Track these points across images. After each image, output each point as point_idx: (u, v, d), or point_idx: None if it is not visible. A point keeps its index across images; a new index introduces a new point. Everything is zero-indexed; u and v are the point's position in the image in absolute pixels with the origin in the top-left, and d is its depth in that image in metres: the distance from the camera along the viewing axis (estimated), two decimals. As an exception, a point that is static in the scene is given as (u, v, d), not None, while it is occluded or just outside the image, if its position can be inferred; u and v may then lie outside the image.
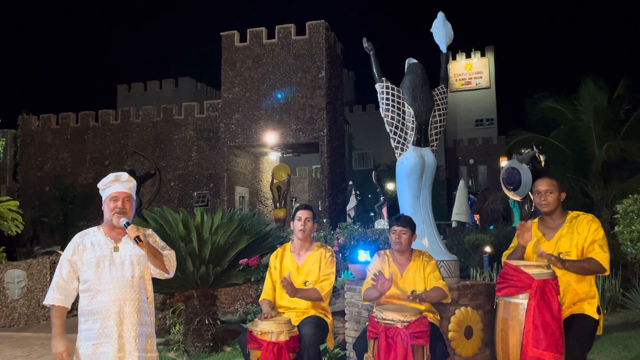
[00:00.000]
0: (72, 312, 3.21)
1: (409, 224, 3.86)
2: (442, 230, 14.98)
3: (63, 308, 2.90)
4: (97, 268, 2.89)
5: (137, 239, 2.79)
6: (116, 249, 2.94)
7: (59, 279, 2.91)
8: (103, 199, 2.99)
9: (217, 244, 6.37)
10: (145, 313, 2.96)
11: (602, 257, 3.37)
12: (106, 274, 2.88)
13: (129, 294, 2.89)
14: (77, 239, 2.99)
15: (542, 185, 3.56)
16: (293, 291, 3.66)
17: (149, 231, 3.10)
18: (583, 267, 3.38)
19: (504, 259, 3.71)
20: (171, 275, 3.07)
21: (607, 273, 3.44)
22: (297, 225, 3.94)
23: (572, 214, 3.58)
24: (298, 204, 4.62)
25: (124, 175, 3.02)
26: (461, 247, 11.32)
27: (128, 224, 2.85)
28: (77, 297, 2.97)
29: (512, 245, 3.74)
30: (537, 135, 14.27)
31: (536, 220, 3.70)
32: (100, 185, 3.03)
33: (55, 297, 2.89)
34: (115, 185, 2.97)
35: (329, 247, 4.05)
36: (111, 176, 3.01)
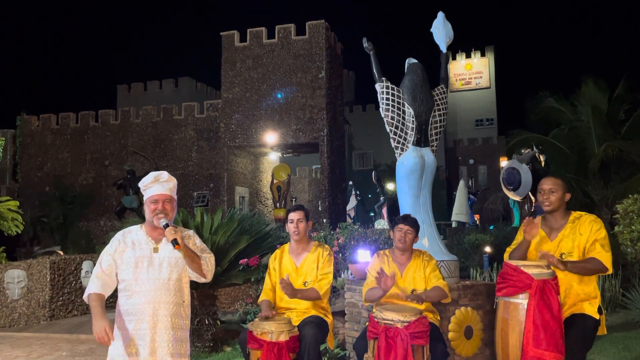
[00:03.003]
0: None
1: (415, 225, 3.89)
2: (442, 230, 14.98)
3: (101, 294, 2.83)
4: (135, 268, 2.84)
5: (174, 242, 2.72)
6: (156, 250, 2.89)
7: (99, 271, 2.86)
8: (144, 199, 2.95)
9: (217, 244, 6.38)
10: (181, 317, 2.90)
11: (604, 256, 3.36)
12: (143, 274, 2.84)
13: (164, 296, 2.83)
14: (119, 236, 2.95)
15: (546, 184, 3.56)
16: (293, 292, 3.66)
17: (190, 232, 3.02)
18: (585, 267, 3.37)
19: (506, 255, 3.71)
20: (208, 279, 2.97)
21: (610, 272, 3.43)
22: (291, 228, 3.95)
23: (575, 214, 3.57)
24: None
25: (164, 175, 2.95)
26: (461, 247, 11.31)
27: (167, 225, 2.79)
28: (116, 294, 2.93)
29: (515, 241, 3.74)
30: (537, 135, 14.24)
31: (540, 218, 3.69)
32: (140, 185, 2.99)
33: (92, 285, 2.83)
34: (155, 187, 2.92)
35: (326, 246, 4.05)
36: (150, 177, 2.95)
